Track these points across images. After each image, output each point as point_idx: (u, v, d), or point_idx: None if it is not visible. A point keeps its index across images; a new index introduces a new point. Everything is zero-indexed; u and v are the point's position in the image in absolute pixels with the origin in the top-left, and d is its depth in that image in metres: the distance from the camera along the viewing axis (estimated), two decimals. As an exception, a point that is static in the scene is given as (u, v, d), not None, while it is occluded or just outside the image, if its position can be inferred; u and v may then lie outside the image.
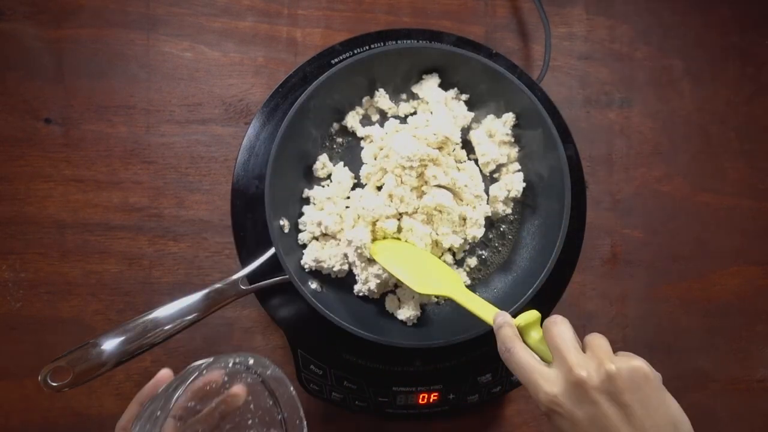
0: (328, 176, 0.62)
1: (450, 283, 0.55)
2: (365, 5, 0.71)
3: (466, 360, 0.62)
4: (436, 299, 0.62)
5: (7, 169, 0.67)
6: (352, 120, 0.62)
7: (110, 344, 0.51)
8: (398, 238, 0.59)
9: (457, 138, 0.59)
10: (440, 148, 0.59)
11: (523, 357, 0.42)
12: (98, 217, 0.67)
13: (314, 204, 0.60)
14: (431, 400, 0.62)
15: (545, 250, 0.58)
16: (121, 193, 0.67)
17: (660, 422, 0.38)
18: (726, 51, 0.74)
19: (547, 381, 0.40)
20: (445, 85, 0.63)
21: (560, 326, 0.42)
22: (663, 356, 0.73)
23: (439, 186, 0.58)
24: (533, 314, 0.45)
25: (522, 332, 0.44)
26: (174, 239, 0.68)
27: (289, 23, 0.70)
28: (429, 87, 0.62)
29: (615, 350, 0.72)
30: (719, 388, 0.73)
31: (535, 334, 0.44)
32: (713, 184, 0.74)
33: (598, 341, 0.41)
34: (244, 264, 0.59)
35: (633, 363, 0.39)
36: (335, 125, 0.63)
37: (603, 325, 0.72)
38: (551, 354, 0.42)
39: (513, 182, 0.61)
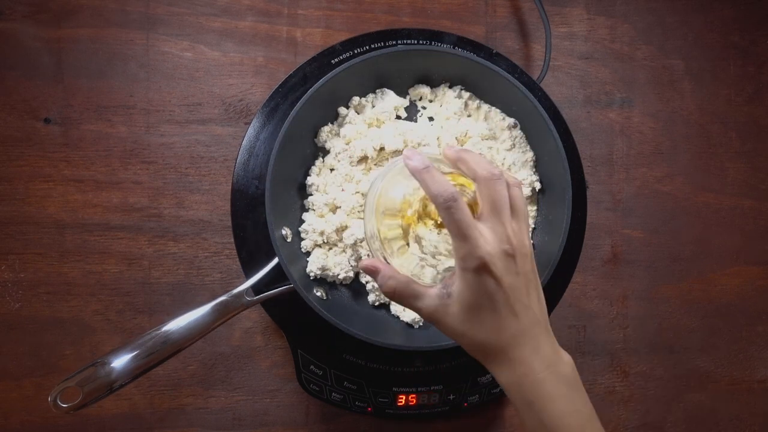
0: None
1: None
2: (365, 5, 0.70)
3: (466, 360, 0.62)
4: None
5: (6, 169, 0.67)
6: (325, 135, 0.61)
7: (120, 362, 0.51)
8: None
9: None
10: None
11: (466, 212, 0.42)
12: (98, 217, 0.67)
13: (314, 210, 0.60)
14: (431, 401, 0.62)
15: (546, 252, 0.58)
16: (121, 193, 0.67)
17: (540, 298, 0.45)
18: (726, 51, 0.74)
19: (486, 242, 0.42)
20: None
21: (504, 189, 0.43)
22: (663, 356, 0.73)
23: None
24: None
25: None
26: (174, 239, 0.68)
27: (289, 23, 0.69)
28: (446, 97, 0.62)
29: (615, 350, 0.72)
30: (719, 388, 0.73)
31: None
32: (714, 184, 0.74)
33: (516, 197, 0.44)
34: (243, 264, 0.59)
35: (526, 242, 0.44)
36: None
37: (603, 325, 0.72)
38: (485, 211, 0.43)
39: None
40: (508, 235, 0.42)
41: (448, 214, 0.42)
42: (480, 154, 0.53)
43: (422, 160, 0.44)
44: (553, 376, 0.42)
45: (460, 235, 0.42)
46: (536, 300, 0.44)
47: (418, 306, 0.46)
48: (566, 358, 0.44)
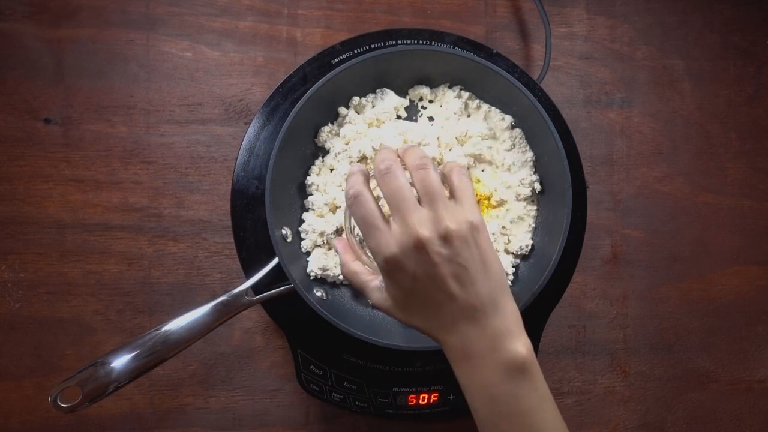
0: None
1: None
2: (365, 5, 0.70)
3: (466, 360, 0.62)
4: None
5: (6, 169, 0.67)
6: (325, 135, 0.61)
7: (120, 362, 0.51)
8: None
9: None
10: None
11: (369, 208, 0.42)
12: (98, 217, 0.67)
13: (314, 210, 0.60)
14: (431, 401, 0.62)
15: (547, 252, 0.58)
16: (121, 193, 0.67)
17: (493, 283, 0.42)
18: (726, 51, 0.74)
19: (391, 236, 0.41)
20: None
21: (396, 181, 0.42)
22: (663, 356, 0.73)
23: None
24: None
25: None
26: (174, 239, 0.68)
27: (289, 23, 0.70)
28: (445, 97, 0.62)
29: (615, 350, 0.72)
30: (719, 388, 0.73)
31: None
32: (714, 184, 0.74)
33: (429, 182, 0.42)
34: (243, 264, 0.59)
35: (467, 218, 0.42)
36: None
37: (603, 325, 0.72)
38: (390, 208, 0.42)
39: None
40: (412, 224, 0.41)
41: (352, 212, 0.44)
42: (417, 146, 0.55)
43: (354, 167, 0.46)
44: (492, 362, 0.41)
45: (365, 232, 0.43)
46: (482, 279, 0.42)
47: (367, 297, 0.47)
48: (519, 343, 0.41)
